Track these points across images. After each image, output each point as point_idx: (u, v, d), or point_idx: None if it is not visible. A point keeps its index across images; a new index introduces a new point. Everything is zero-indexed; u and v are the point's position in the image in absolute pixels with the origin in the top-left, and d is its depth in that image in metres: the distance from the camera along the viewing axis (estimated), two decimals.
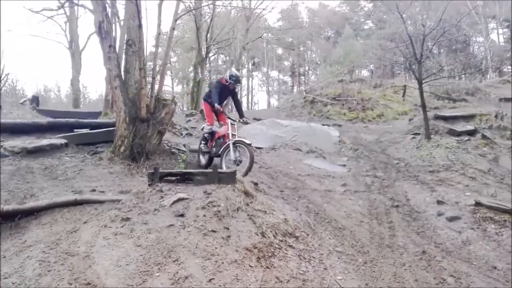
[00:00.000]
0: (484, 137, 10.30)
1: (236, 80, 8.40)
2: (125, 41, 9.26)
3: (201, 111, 8.98)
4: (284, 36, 46.41)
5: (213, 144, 8.13)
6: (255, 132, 13.63)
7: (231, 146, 7.62)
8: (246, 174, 7.28)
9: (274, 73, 53.30)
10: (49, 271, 3.86)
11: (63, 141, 9.08)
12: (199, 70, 21.71)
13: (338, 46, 39.18)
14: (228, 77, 8.23)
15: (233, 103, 8.52)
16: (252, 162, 7.40)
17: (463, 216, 5.96)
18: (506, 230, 5.39)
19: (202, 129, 8.70)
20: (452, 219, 5.96)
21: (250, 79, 51.13)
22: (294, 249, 4.73)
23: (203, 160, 8.50)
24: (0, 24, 34.00)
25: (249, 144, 7.60)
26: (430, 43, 12.09)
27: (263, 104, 51.58)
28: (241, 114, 8.47)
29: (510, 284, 4.30)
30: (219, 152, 7.85)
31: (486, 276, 4.46)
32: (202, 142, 8.23)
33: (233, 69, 8.91)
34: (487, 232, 5.43)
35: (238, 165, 7.55)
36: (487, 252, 5.01)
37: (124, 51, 9.21)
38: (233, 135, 7.73)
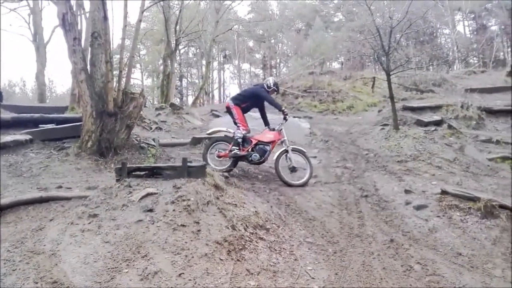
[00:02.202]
0: (450, 127, 10.52)
1: (278, 89, 8.72)
2: (90, 34, 9.03)
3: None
4: (255, 28, 46.23)
5: (252, 149, 7.85)
6: (226, 125, 13.57)
7: (290, 152, 7.76)
8: (307, 182, 7.54)
9: (245, 66, 53.22)
10: (14, 270, 3.79)
11: (28, 137, 8.84)
12: (169, 63, 21.44)
13: (309, 38, 39.36)
14: (272, 85, 8.33)
15: (259, 111, 8.41)
16: (312, 169, 7.77)
17: (429, 204, 6.07)
18: (471, 217, 5.51)
19: (211, 133, 8.47)
20: (419, 207, 6.06)
21: (222, 72, 50.94)
22: (265, 241, 4.74)
23: (212, 162, 7.89)
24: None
25: (305, 152, 8.03)
26: (397, 35, 12.24)
27: None
28: (266, 123, 8.47)
29: (474, 270, 4.41)
30: (265, 158, 7.87)
31: (451, 263, 4.57)
32: (234, 147, 7.78)
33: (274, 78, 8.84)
34: (452, 220, 5.54)
35: (293, 172, 7.68)
36: (453, 239, 5.12)
37: (89, 43, 8.99)
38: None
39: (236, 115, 8.03)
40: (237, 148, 7.78)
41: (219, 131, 8.42)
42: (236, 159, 7.89)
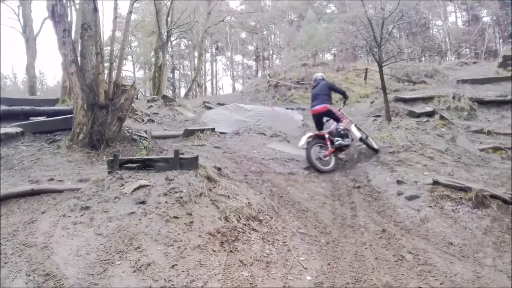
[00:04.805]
0: (442, 118, 10.55)
1: None
2: (80, 25, 8.95)
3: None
4: (247, 20, 46.02)
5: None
6: (219, 117, 13.60)
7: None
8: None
9: (238, 58, 52.94)
10: (6, 263, 3.76)
11: (19, 129, 8.78)
12: (161, 55, 21.30)
13: (301, 30, 39.21)
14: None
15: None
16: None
17: (421, 194, 6.09)
18: (462, 207, 5.54)
19: (305, 144, 8.43)
20: (411, 198, 6.09)
21: (214, 63, 50.68)
22: (258, 232, 4.75)
23: (321, 166, 8.25)
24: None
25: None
26: (389, 26, 12.20)
27: (227, 89, 51.33)
28: None
29: (465, 259, 4.45)
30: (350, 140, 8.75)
31: (442, 252, 4.60)
32: (338, 138, 8.45)
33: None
34: (444, 210, 5.57)
35: (368, 138, 8.87)
36: (444, 229, 5.15)
37: (79, 35, 8.91)
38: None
39: (336, 113, 8.81)
40: (341, 139, 8.46)
41: (310, 136, 8.56)
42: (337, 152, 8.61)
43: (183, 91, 41.33)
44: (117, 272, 3.54)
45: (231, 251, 4.13)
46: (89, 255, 3.78)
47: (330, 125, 8.87)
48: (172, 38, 28.55)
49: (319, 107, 8.68)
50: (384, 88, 11.08)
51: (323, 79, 9.20)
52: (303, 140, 8.40)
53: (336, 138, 8.43)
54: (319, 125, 8.84)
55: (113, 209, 4.53)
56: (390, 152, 8.52)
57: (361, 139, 8.66)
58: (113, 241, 3.96)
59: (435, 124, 10.17)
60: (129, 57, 42.57)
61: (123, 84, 8.88)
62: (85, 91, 8.19)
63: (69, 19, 8.87)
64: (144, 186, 4.91)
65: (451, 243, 4.82)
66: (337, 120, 8.76)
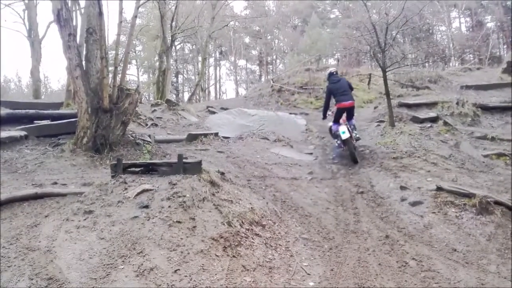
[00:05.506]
0: (446, 123, 10.52)
1: None
2: (85, 29, 8.99)
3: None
4: (251, 24, 46.18)
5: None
6: (222, 122, 13.61)
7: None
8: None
9: (242, 62, 52.94)
10: (9, 266, 3.78)
11: (23, 133, 8.82)
12: (165, 59, 21.36)
13: (305, 35, 39.28)
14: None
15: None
16: None
17: (425, 200, 6.07)
18: (466, 213, 5.52)
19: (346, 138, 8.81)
20: (414, 204, 6.07)
21: (218, 68, 50.74)
22: (261, 238, 4.74)
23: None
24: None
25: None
26: (393, 32, 12.20)
27: (231, 93, 51.40)
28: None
29: (469, 266, 4.43)
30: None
31: (446, 259, 4.58)
32: (355, 131, 9.25)
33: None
34: (447, 216, 5.55)
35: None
36: (448, 235, 5.13)
37: (84, 39, 8.95)
38: None
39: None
40: (355, 132, 9.24)
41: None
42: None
43: (186, 96, 41.53)
44: (120, 276, 3.54)
45: (234, 256, 4.12)
46: (92, 259, 3.78)
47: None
48: (176, 43, 28.65)
49: (350, 102, 9.09)
50: (387, 94, 11.07)
51: (337, 72, 9.70)
52: (346, 132, 8.69)
53: (355, 132, 9.16)
54: (340, 119, 9.14)
55: (116, 213, 4.54)
56: (394, 158, 8.50)
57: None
58: (116, 245, 3.97)
59: (438, 130, 10.14)
60: (134, 61, 42.79)
61: (127, 88, 8.92)
62: (89, 95, 8.22)
63: (74, 23, 8.94)
64: (147, 190, 4.91)
65: (455, 250, 4.80)
66: (353, 115, 9.33)
